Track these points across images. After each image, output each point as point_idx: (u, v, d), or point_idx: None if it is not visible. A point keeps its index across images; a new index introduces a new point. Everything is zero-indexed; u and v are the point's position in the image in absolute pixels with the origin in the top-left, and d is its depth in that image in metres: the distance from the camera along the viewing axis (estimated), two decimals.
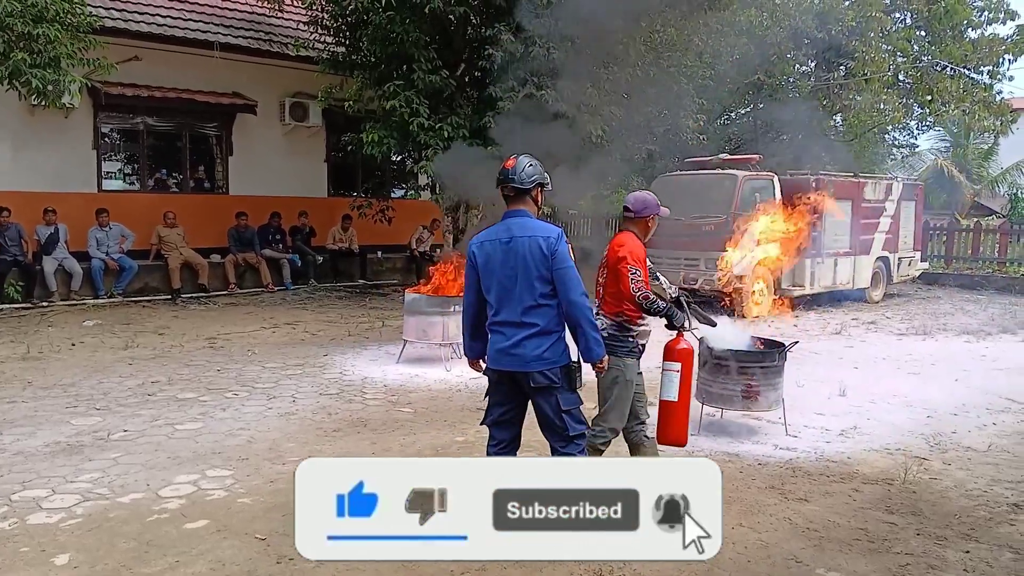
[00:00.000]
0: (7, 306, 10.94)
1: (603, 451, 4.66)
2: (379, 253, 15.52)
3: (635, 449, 4.84)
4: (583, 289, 3.96)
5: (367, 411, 6.64)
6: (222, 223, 13.48)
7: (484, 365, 4.24)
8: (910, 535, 4.37)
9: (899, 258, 15.03)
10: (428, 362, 8.49)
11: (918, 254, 15.80)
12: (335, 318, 11.33)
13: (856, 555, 4.11)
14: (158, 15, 13.02)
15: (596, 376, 4.32)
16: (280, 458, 5.36)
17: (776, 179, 12.93)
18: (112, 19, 12.09)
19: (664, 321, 4.69)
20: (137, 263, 12.27)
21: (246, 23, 14.17)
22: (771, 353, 6.12)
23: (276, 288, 13.49)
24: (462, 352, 4.38)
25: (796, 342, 6.68)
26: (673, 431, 4.82)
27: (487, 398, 4.23)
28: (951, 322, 12.34)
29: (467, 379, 7.86)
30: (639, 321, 4.65)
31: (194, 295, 12.58)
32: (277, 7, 12.80)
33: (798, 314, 12.83)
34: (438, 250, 14.13)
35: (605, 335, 4.45)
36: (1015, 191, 26.14)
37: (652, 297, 4.57)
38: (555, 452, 4.07)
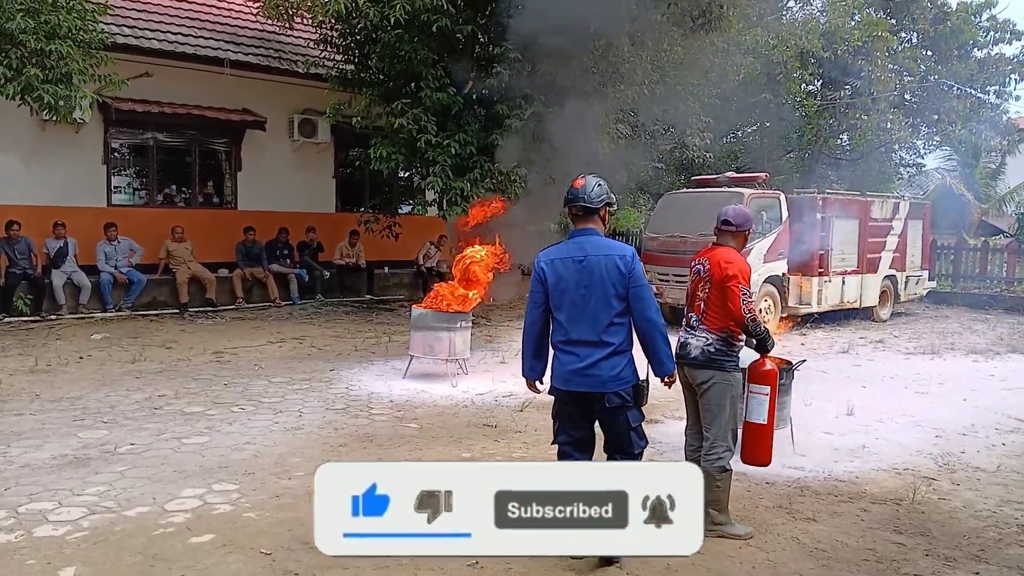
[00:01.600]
0: (16, 319, 10.99)
1: (730, 470, 4.55)
2: (386, 268, 15.57)
3: (708, 480, 4.53)
4: (657, 306, 4.09)
5: (373, 426, 6.64)
6: (230, 238, 13.54)
7: (541, 387, 4.24)
8: (919, 556, 4.34)
9: (907, 277, 14.99)
10: (434, 378, 8.49)
11: (926, 273, 15.76)
12: (342, 333, 11.34)
13: (864, 575, 4.08)
14: (169, 32, 13.15)
15: (698, 387, 4.50)
16: (286, 473, 5.35)
17: (783, 197, 12.95)
18: (124, 36, 12.22)
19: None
20: (145, 277, 12.32)
21: (256, 41, 14.30)
22: (779, 372, 6.09)
23: (283, 303, 13.52)
24: (520, 372, 4.30)
25: (803, 360, 6.66)
26: (761, 452, 4.94)
27: (556, 420, 4.20)
28: (959, 341, 12.29)
29: (473, 395, 7.86)
30: (740, 337, 4.65)
31: (202, 309, 12.61)
32: (288, 25, 12.91)
33: (805, 332, 12.81)
34: (445, 265, 14.16)
35: (712, 350, 4.51)
36: (1023, 210, 26.08)
37: (758, 319, 4.60)
38: (612, 459, 4.10)
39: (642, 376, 4.09)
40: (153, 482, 5.08)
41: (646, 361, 4.15)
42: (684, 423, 4.93)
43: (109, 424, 6.40)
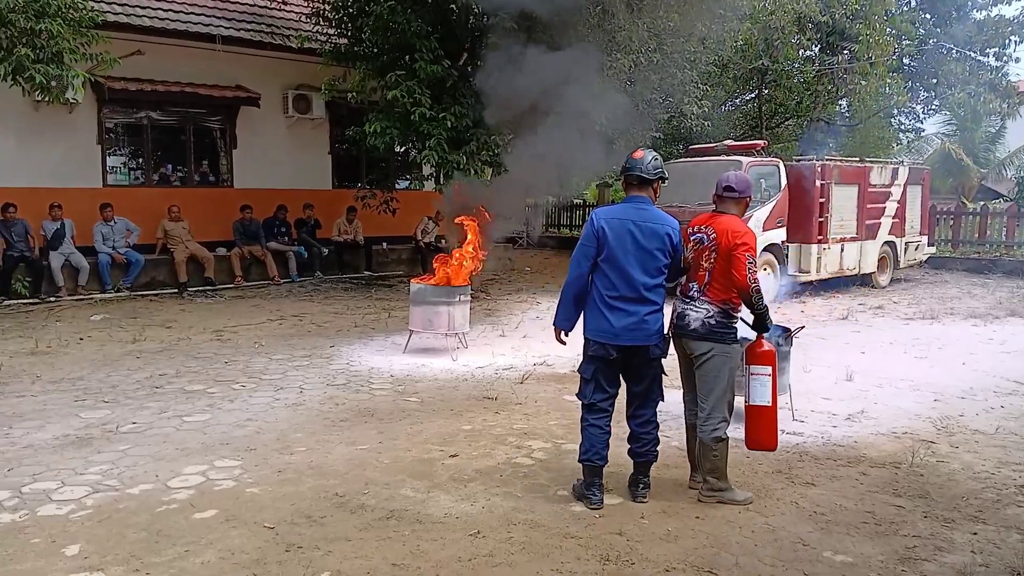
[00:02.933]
0: (15, 301, 11.00)
1: (726, 439, 4.49)
2: (384, 244, 15.56)
3: (705, 450, 4.56)
4: None
5: (374, 401, 6.66)
6: (227, 216, 13.51)
7: (566, 339, 4.61)
8: (917, 518, 4.37)
9: (906, 243, 14.97)
10: (434, 352, 8.50)
11: (925, 238, 15.72)
12: (341, 309, 11.35)
13: (863, 538, 4.11)
14: (160, 9, 13.03)
15: (696, 359, 4.58)
16: (288, 448, 5.38)
17: (781, 164, 12.89)
18: (115, 14, 12.10)
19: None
20: (143, 257, 12.32)
21: (248, 16, 14.16)
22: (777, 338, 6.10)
23: (282, 280, 13.52)
24: (552, 321, 4.65)
25: (802, 327, 6.66)
26: (766, 436, 4.68)
27: (592, 380, 4.47)
28: (958, 306, 12.30)
29: (473, 368, 7.88)
30: (739, 309, 4.53)
31: (200, 288, 12.62)
32: (280, 0, 12.80)
33: (804, 299, 12.81)
34: (443, 240, 14.14)
35: (712, 322, 4.49)
36: (1022, 174, 25.99)
37: (762, 291, 4.47)
38: (646, 420, 4.50)
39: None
40: (156, 460, 5.11)
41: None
42: (681, 392, 4.90)
43: (111, 404, 6.42)
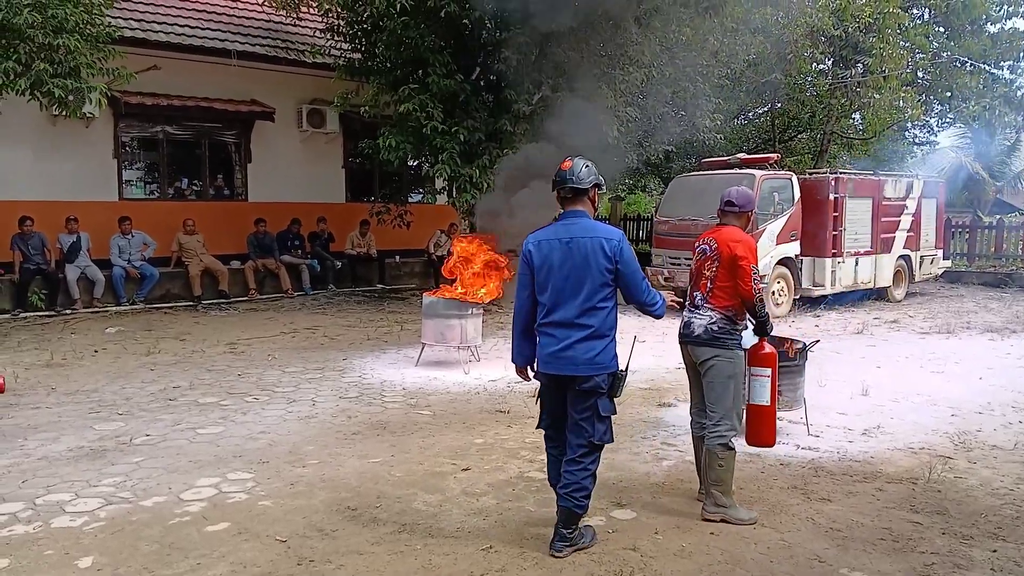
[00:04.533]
0: (31, 314, 11.08)
1: (734, 448, 4.50)
2: (397, 258, 15.59)
3: (711, 458, 4.51)
4: (649, 287, 4.09)
5: (386, 414, 6.65)
6: (242, 230, 13.58)
7: (531, 373, 4.20)
8: (935, 534, 4.32)
9: (921, 256, 14.86)
10: (446, 365, 8.50)
11: (940, 252, 15.62)
12: (354, 322, 11.37)
13: (880, 555, 4.06)
14: (176, 25, 13.16)
15: (701, 365, 4.52)
16: (300, 461, 5.38)
17: (795, 178, 12.85)
18: (131, 29, 12.24)
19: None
20: (158, 271, 12.39)
21: (263, 31, 14.28)
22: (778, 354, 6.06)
23: (296, 293, 13.57)
24: (510, 358, 4.29)
25: (817, 341, 6.62)
26: (765, 433, 5.02)
27: (539, 401, 4.21)
28: (974, 320, 12.19)
29: (485, 381, 7.87)
30: (744, 317, 4.66)
31: (215, 301, 12.68)
32: (295, 15, 12.89)
33: (819, 313, 12.74)
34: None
35: (715, 328, 4.50)
36: None
37: (764, 299, 4.62)
38: (572, 459, 3.97)
39: (621, 366, 4.03)
40: (169, 472, 5.12)
41: (627, 353, 4.19)
42: (688, 405, 4.93)
43: (124, 416, 6.45)
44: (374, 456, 5.50)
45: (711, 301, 4.57)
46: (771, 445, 5.15)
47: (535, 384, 4.23)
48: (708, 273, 4.61)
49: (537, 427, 4.27)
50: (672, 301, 4.41)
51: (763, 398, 4.91)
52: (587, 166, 4.07)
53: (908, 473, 5.29)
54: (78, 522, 4.32)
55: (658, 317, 4.24)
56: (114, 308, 11.77)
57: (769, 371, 4.88)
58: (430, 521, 4.39)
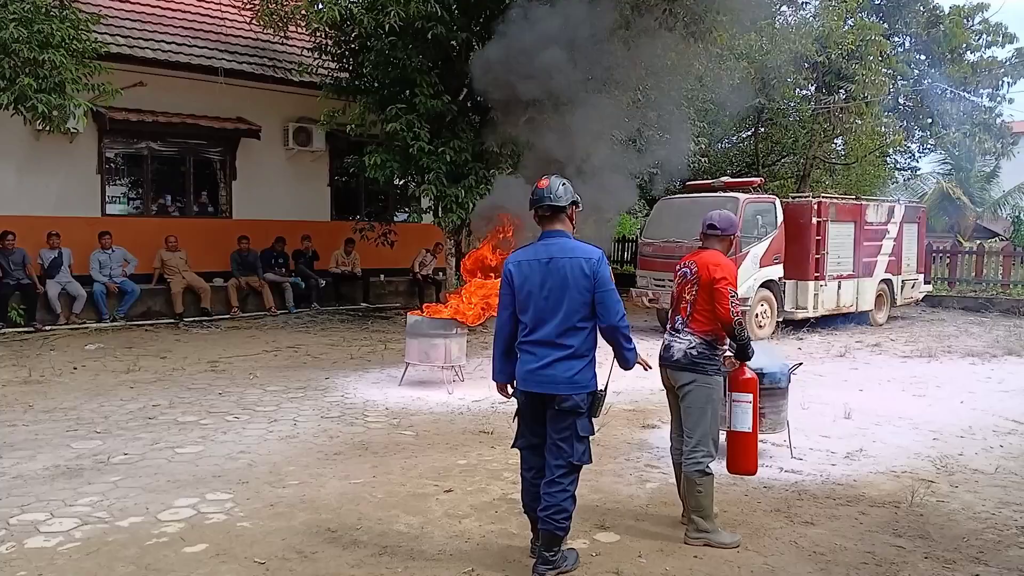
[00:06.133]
0: (10, 330, 10.94)
1: (711, 474, 4.45)
2: (382, 276, 15.54)
3: (690, 484, 4.49)
4: (623, 312, 3.99)
5: (369, 434, 6.60)
6: (225, 247, 13.52)
7: (511, 391, 4.18)
8: (918, 558, 4.31)
9: (902, 280, 15.00)
10: (430, 385, 8.46)
11: (921, 276, 15.77)
12: (337, 341, 11.31)
13: None
14: (163, 41, 13.13)
15: (679, 390, 4.48)
16: (280, 481, 5.31)
17: (778, 202, 12.95)
18: (117, 45, 12.20)
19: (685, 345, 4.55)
20: (139, 287, 12.29)
21: (250, 49, 14.28)
22: (774, 375, 6.07)
23: (279, 312, 13.49)
24: (491, 376, 4.26)
25: (800, 364, 6.64)
26: (746, 461, 4.90)
27: (516, 420, 4.17)
28: (956, 344, 12.29)
29: (469, 402, 7.83)
30: (724, 342, 4.61)
31: (197, 319, 12.58)
32: (282, 33, 12.91)
33: (802, 336, 12.79)
34: (441, 273, 14.14)
35: (694, 352, 4.47)
36: (1018, 213, 26.17)
37: (744, 324, 4.58)
38: (551, 480, 3.92)
39: (600, 386, 4.01)
40: (146, 492, 5.04)
41: (607, 370, 4.14)
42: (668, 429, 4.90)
43: (103, 434, 6.36)
44: (356, 477, 5.45)
45: (691, 325, 4.55)
46: (754, 472, 5.06)
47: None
48: (688, 297, 4.61)
49: (513, 446, 4.23)
50: (642, 362, 4.29)
51: (745, 424, 4.80)
52: (564, 184, 4.07)
53: (891, 497, 5.29)
54: (52, 542, 4.24)
55: (625, 366, 4.09)
56: (94, 325, 11.65)
57: (751, 397, 4.80)
58: (411, 543, 4.34)
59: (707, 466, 4.44)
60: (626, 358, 4.05)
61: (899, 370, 10.09)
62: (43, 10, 9.24)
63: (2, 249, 11.24)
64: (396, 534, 4.47)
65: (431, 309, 8.97)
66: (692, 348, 4.50)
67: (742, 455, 4.88)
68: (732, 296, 4.48)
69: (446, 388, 8.28)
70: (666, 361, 4.63)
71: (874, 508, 5.08)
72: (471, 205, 11.41)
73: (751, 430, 4.83)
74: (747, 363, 4.80)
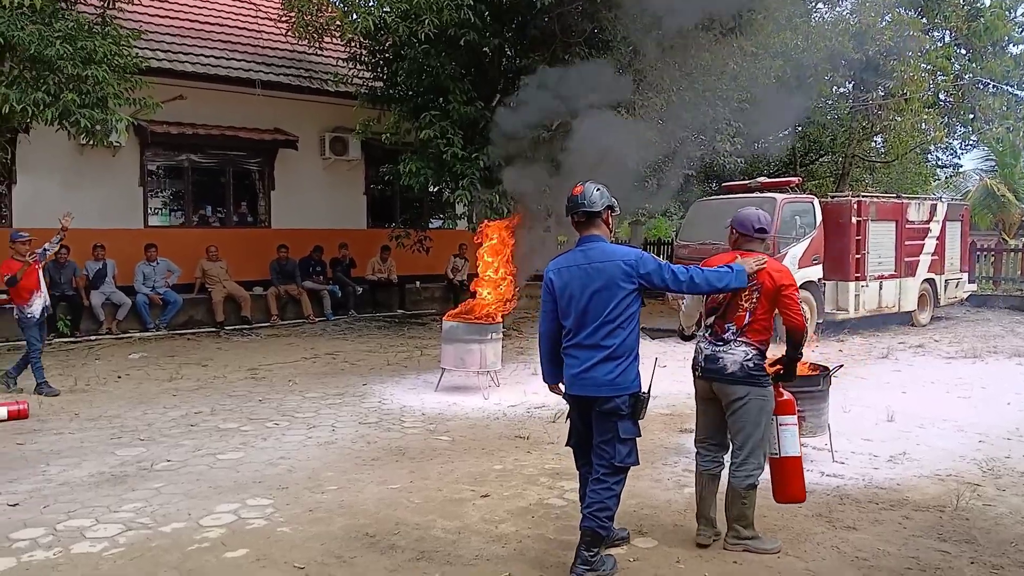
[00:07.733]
0: (56, 340, 11.21)
1: (758, 486, 4.34)
2: (417, 283, 15.65)
3: (735, 497, 4.36)
4: (686, 272, 4.05)
5: (406, 440, 6.64)
6: (264, 256, 13.71)
7: (563, 387, 4.26)
8: (964, 564, 4.22)
9: (946, 280, 14.68)
10: (466, 390, 8.48)
11: (965, 275, 15.42)
12: (374, 348, 11.40)
13: None
14: (202, 55, 13.39)
15: (731, 404, 4.30)
16: (319, 487, 5.37)
17: (816, 201, 12.77)
18: (158, 60, 12.46)
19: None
20: (181, 297, 12.52)
21: (287, 61, 14.50)
22: (815, 378, 5.99)
23: (317, 319, 13.65)
24: (542, 378, 4.42)
25: (840, 366, 6.54)
26: (795, 487, 4.53)
27: (568, 420, 4.32)
28: (1001, 344, 12.00)
29: (504, 407, 7.84)
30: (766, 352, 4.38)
31: (237, 327, 12.78)
32: (317, 44, 13.08)
33: (843, 338, 12.59)
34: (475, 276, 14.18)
35: (751, 365, 4.26)
36: None
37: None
38: (596, 478, 3.99)
39: (643, 388, 4.02)
40: (188, 498, 5.13)
41: (649, 374, 4.15)
42: (694, 437, 4.68)
43: (146, 441, 6.48)
44: (393, 482, 5.48)
45: (747, 335, 4.28)
46: (803, 500, 4.63)
47: (563, 408, 4.29)
48: (747, 304, 4.29)
49: (566, 444, 4.38)
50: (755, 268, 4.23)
51: (793, 448, 4.45)
52: (598, 189, 4.13)
53: (935, 501, 5.18)
54: (98, 548, 4.34)
55: (741, 286, 4.16)
56: (138, 334, 11.89)
57: (795, 419, 4.51)
58: (449, 548, 4.36)
59: (757, 479, 4.31)
60: (732, 288, 4.16)
61: (943, 371, 9.88)
62: (86, 27, 9.47)
63: (57, 262, 11.51)
64: (433, 539, 4.49)
65: (462, 308, 8.99)
66: (748, 360, 4.24)
67: (791, 481, 4.50)
68: (800, 304, 4.32)
69: (482, 393, 8.30)
70: (713, 374, 4.33)
71: (918, 512, 4.98)
72: (505, 210, 11.45)
73: (800, 454, 4.52)
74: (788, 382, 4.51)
